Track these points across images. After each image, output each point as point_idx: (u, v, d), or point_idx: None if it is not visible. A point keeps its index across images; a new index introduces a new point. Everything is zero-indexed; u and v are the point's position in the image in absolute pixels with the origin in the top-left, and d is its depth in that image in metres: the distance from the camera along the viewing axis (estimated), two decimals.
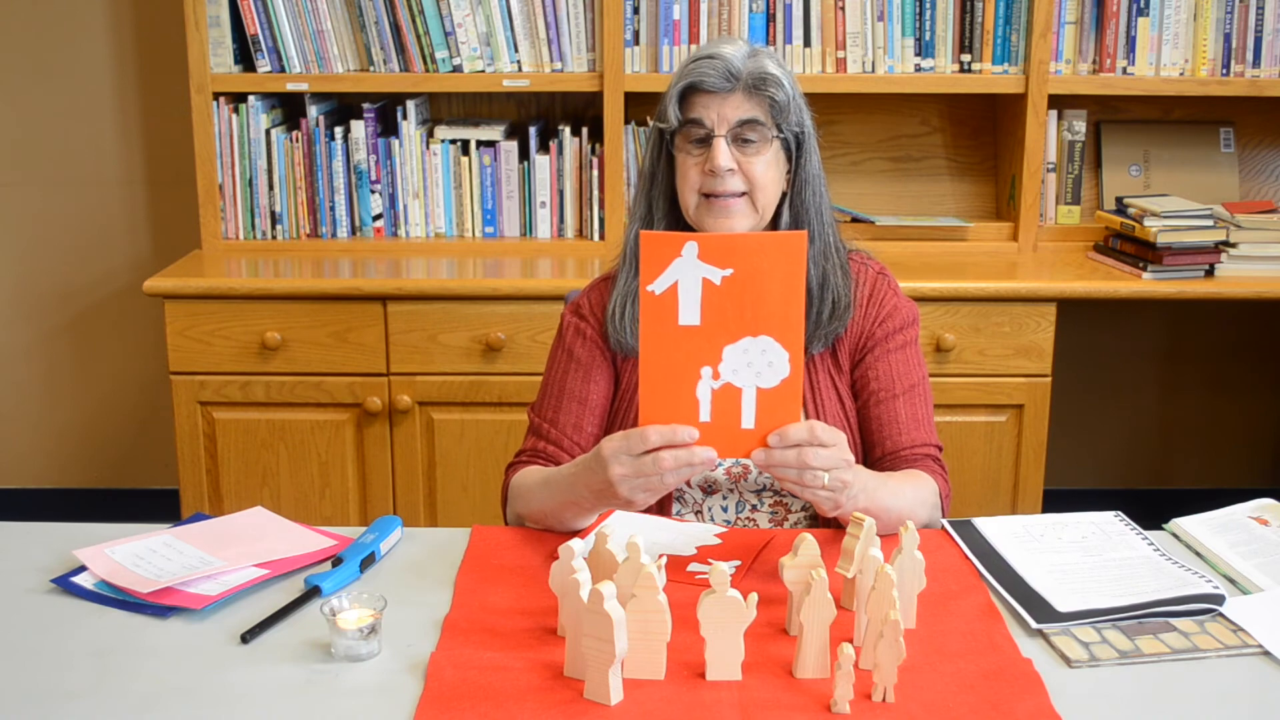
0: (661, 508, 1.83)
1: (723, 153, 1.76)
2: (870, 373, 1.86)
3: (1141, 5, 3.15)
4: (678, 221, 1.86)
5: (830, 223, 1.86)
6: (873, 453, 1.85)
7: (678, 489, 1.84)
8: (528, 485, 1.78)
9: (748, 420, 1.53)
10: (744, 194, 1.79)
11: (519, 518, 1.80)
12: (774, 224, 1.84)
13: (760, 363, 1.51)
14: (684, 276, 1.49)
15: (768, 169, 1.79)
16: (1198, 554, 1.71)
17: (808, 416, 1.82)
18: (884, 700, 1.34)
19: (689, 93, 1.79)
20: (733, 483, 1.83)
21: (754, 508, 1.84)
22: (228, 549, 1.66)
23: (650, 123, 1.87)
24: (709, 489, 1.84)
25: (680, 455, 1.51)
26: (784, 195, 1.84)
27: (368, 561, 1.64)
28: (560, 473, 1.70)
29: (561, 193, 3.22)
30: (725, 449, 1.54)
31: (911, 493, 1.75)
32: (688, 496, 1.85)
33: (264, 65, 3.13)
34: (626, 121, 3.14)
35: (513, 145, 3.21)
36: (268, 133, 3.16)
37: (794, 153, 1.82)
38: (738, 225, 1.79)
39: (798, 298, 1.50)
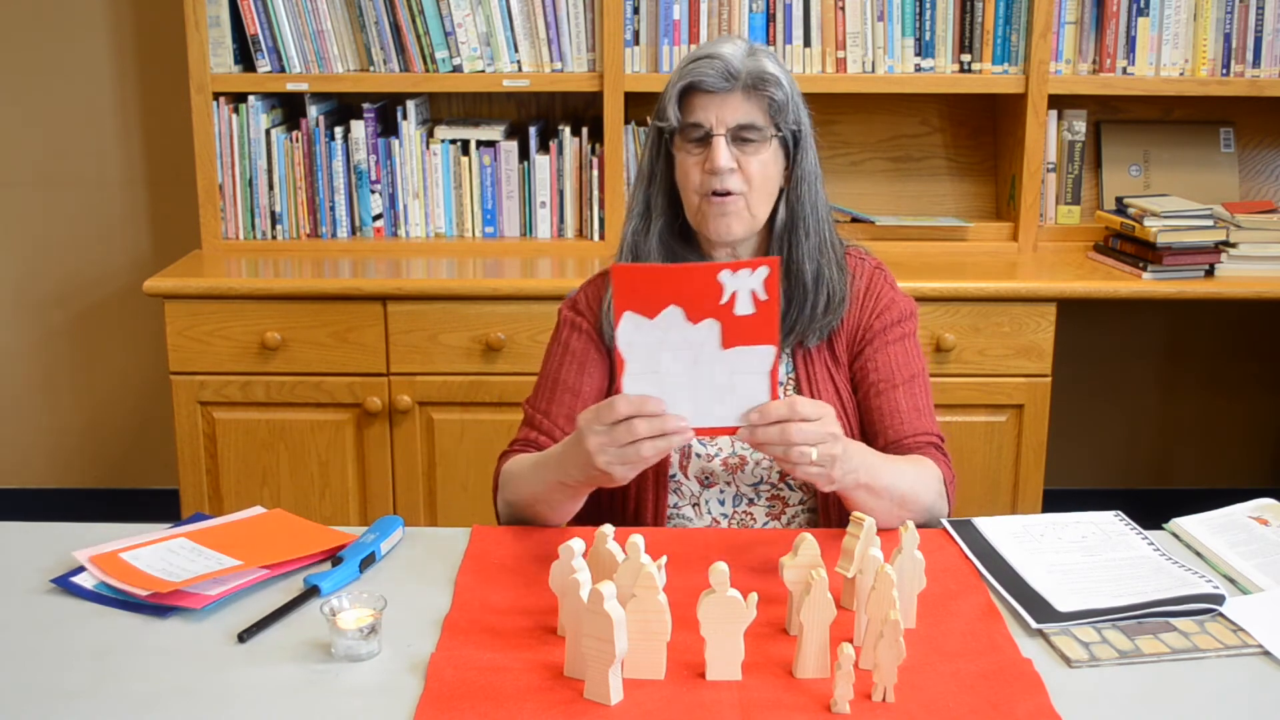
0: (657, 500, 1.83)
1: (723, 153, 1.77)
2: (869, 364, 1.87)
3: (1141, 5, 3.15)
4: (676, 219, 1.86)
5: (826, 218, 1.87)
6: (875, 443, 1.85)
7: (674, 481, 1.84)
8: (518, 470, 1.79)
9: None
10: (741, 194, 1.79)
11: (508, 505, 1.80)
12: (771, 221, 1.85)
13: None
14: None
15: (765, 167, 1.79)
16: (1198, 554, 1.71)
17: None
18: (884, 700, 1.34)
19: (688, 92, 1.79)
20: (730, 474, 1.84)
21: (751, 501, 1.84)
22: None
23: (650, 122, 1.87)
24: (705, 481, 1.84)
25: (654, 424, 1.53)
26: (781, 191, 1.85)
27: (368, 561, 1.64)
28: (550, 453, 1.72)
29: (561, 193, 3.22)
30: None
31: (913, 473, 1.77)
32: (685, 489, 1.85)
33: (264, 65, 3.13)
34: (626, 121, 3.14)
35: (513, 145, 3.21)
36: (268, 133, 3.16)
37: (791, 150, 1.83)
38: (735, 226, 1.80)
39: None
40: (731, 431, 1.57)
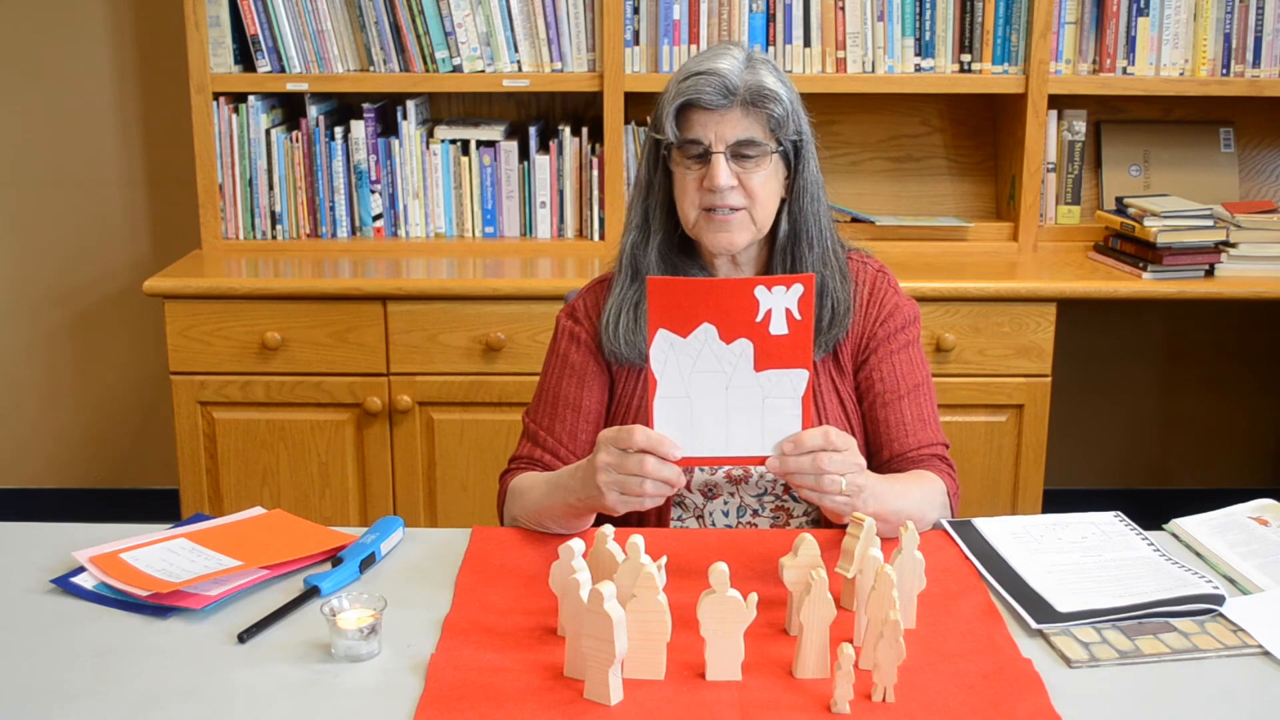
0: (661, 512, 1.82)
1: (723, 171, 1.74)
2: (874, 374, 1.86)
3: (1141, 5, 3.15)
4: (675, 231, 1.85)
5: (828, 227, 1.85)
6: (880, 455, 1.85)
7: (678, 494, 1.83)
8: (528, 485, 1.78)
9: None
10: (744, 208, 1.77)
11: (514, 520, 1.80)
12: (773, 233, 1.84)
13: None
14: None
15: (766, 181, 1.77)
16: (1198, 554, 1.71)
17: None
18: (884, 700, 1.34)
19: (685, 109, 1.76)
20: (733, 486, 1.83)
21: (755, 512, 1.84)
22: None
23: (647, 133, 1.86)
24: (709, 493, 1.83)
25: (661, 469, 1.53)
26: (782, 202, 1.83)
27: (368, 562, 1.64)
28: (564, 471, 1.71)
29: (561, 193, 3.22)
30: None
31: (918, 494, 1.75)
32: (688, 501, 1.84)
33: (264, 65, 3.13)
34: (626, 121, 3.14)
35: (513, 145, 3.21)
36: (268, 133, 3.16)
37: (792, 160, 1.81)
38: (737, 239, 1.79)
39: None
40: (760, 461, 1.57)
